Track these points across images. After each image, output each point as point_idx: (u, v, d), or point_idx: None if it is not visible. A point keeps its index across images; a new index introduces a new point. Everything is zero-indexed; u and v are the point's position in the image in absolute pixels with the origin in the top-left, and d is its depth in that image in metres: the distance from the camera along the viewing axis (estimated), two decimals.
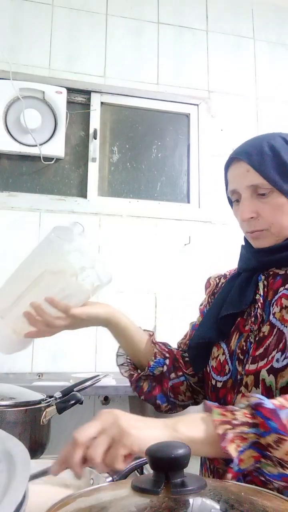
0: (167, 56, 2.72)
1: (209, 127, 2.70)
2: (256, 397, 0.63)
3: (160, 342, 1.04)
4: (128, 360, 1.04)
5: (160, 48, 2.71)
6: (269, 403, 0.61)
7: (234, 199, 0.92)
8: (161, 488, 0.44)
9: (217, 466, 0.63)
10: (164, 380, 1.00)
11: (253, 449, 0.60)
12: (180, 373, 1.01)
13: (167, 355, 1.01)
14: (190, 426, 0.63)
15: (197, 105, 2.72)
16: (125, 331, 0.99)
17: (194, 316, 1.09)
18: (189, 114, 2.73)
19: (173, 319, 2.34)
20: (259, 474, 0.61)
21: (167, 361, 1.00)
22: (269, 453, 0.59)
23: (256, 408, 0.61)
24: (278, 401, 0.63)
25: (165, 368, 0.99)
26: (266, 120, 2.77)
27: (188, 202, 2.64)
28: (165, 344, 1.05)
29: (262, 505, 0.43)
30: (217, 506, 0.42)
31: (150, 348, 1.00)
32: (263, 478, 0.61)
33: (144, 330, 1.05)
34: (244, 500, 0.44)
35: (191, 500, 0.43)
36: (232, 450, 0.58)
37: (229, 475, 0.58)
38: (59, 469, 0.62)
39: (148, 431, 0.61)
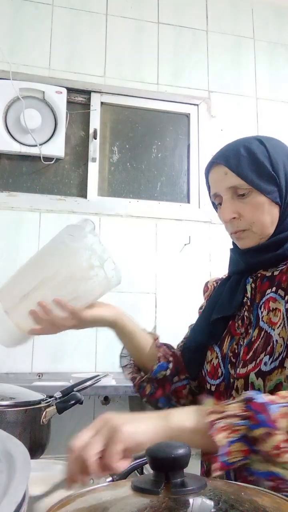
0: (167, 56, 2.72)
1: (209, 127, 2.70)
2: (250, 393, 0.64)
3: (165, 345, 1.05)
4: (132, 362, 1.04)
5: (160, 48, 2.71)
6: (260, 398, 0.62)
7: (217, 203, 0.94)
8: (161, 488, 0.44)
9: (207, 461, 0.63)
10: (166, 384, 1.00)
11: (243, 443, 0.59)
12: (183, 377, 1.01)
13: (171, 358, 1.01)
14: (182, 416, 0.64)
15: (197, 105, 2.72)
16: (130, 334, 1.00)
17: (194, 316, 1.09)
18: (189, 114, 2.73)
19: (173, 319, 2.33)
20: (247, 473, 0.60)
21: (171, 365, 1.00)
22: (257, 447, 0.59)
23: (247, 402, 0.62)
24: (270, 397, 0.63)
25: (168, 372, 0.99)
26: (266, 120, 2.77)
27: (188, 202, 2.64)
28: (169, 347, 1.05)
29: (262, 505, 0.43)
30: (217, 506, 0.42)
31: (154, 351, 1.01)
32: (251, 478, 0.60)
33: (149, 333, 1.05)
34: (244, 500, 0.44)
35: (191, 500, 0.43)
36: (220, 438, 0.59)
37: (216, 465, 0.58)
38: (69, 483, 0.62)
39: (140, 424, 0.62)
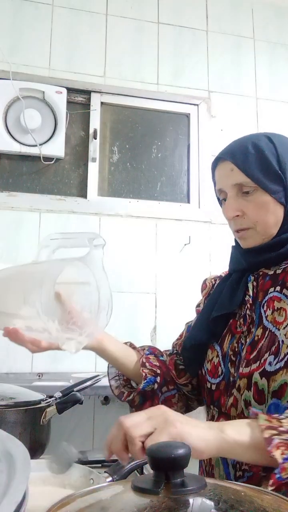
0: (167, 56, 2.71)
1: (209, 127, 2.70)
2: None
3: (153, 353, 1.03)
4: (120, 373, 1.04)
5: (160, 48, 2.71)
6: None
7: (221, 198, 0.93)
8: (161, 488, 0.44)
9: (256, 473, 0.63)
10: (155, 396, 0.99)
11: None
12: (172, 387, 1.00)
13: (158, 371, 1.00)
14: (237, 429, 0.63)
15: (197, 105, 2.72)
16: (111, 358, 1.00)
17: (193, 316, 1.09)
18: (189, 114, 2.72)
19: (173, 319, 2.33)
20: None
21: (158, 378, 0.99)
22: None
23: None
24: None
25: (155, 386, 0.98)
26: (266, 120, 2.77)
27: (188, 202, 2.64)
28: (157, 355, 1.03)
29: (262, 505, 0.43)
30: (217, 506, 0.42)
31: (139, 370, 0.99)
32: None
33: (134, 348, 1.04)
34: (244, 500, 0.44)
35: (191, 500, 0.43)
36: (278, 455, 0.58)
37: (271, 481, 0.58)
38: (108, 453, 0.64)
39: (194, 428, 0.62)
